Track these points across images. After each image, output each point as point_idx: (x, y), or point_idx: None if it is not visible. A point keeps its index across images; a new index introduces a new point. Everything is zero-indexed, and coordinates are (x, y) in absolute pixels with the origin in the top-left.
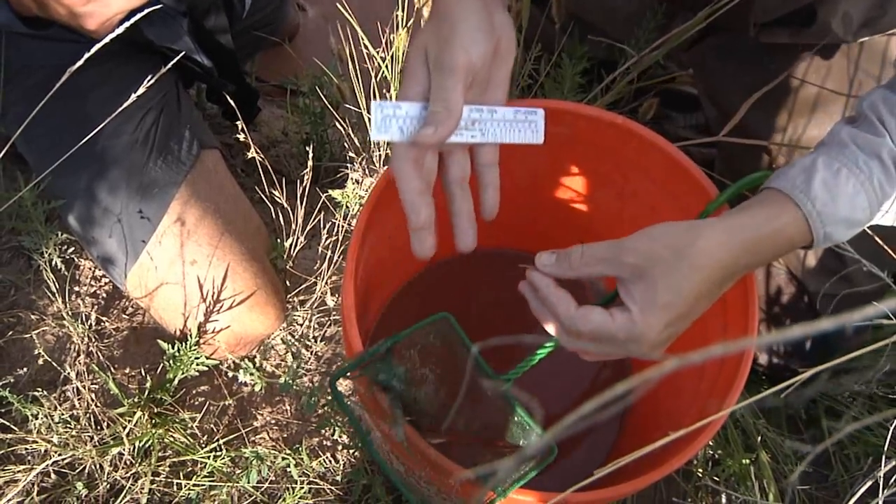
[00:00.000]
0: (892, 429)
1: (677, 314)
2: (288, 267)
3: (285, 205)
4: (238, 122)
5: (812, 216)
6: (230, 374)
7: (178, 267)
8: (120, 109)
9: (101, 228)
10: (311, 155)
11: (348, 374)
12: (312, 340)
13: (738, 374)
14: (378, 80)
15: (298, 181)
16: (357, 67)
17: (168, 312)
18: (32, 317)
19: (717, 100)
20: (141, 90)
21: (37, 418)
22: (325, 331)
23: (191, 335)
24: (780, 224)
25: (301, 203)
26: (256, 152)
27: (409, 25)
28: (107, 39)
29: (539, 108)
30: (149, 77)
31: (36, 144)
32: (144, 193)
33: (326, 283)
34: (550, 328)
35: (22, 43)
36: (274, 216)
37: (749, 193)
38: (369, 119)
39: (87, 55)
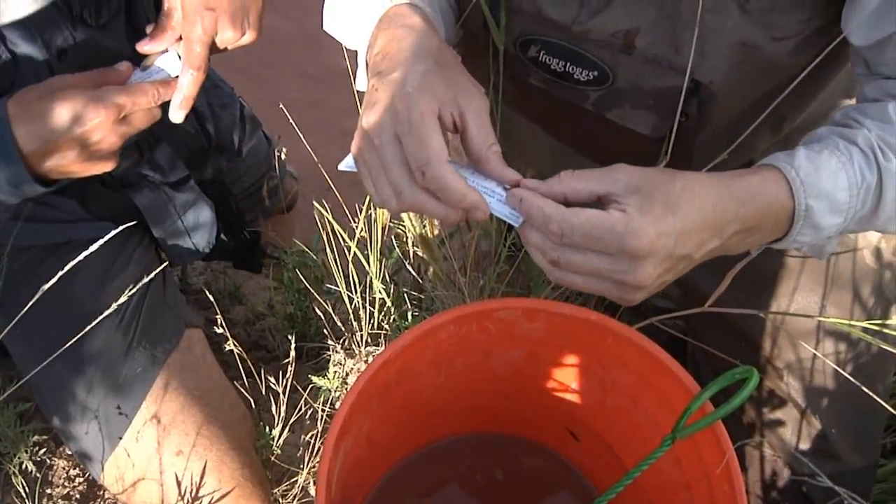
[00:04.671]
0: None
1: (672, 227)
2: (270, 457)
3: (270, 386)
4: (219, 317)
5: (795, 183)
6: None
7: (158, 460)
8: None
9: (78, 424)
10: (292, 354)
11: None
12: None
13: None
14: (352, 260)
15: (281, 372)
16: (334, 250)
17: None
18: None
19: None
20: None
21: None
22: None
23: None
24: (764, 180)
25: (284, 395)
26: (235, 345)
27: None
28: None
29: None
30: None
31: (20, 328)
32: (122, 387)
33: (309, 472)
34: (534, 247)
35: (8, 225)
36: (255, 403)
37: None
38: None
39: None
